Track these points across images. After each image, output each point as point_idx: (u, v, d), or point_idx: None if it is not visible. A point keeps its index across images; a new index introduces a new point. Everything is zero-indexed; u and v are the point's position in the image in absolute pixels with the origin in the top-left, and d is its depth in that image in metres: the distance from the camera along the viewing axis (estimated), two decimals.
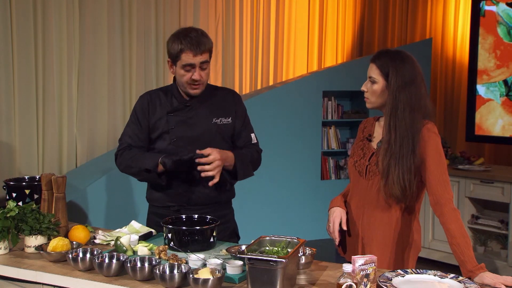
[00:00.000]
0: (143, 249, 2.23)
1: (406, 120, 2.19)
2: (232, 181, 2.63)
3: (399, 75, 2.21)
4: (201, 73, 2.52)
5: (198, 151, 2.46)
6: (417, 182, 2.23)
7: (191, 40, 2.47)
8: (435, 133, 2.23)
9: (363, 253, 2.30)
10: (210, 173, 2.44)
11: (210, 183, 2.47)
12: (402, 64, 2.22)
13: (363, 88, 2.32)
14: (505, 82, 5.56)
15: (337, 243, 2.37)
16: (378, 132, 2.38)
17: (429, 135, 2.22)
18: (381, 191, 2.24)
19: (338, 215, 2.35)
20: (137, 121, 2.64)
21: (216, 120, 2.62)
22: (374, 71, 2.27)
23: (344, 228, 2.33)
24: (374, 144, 2.36)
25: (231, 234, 2.70)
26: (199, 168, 2.45)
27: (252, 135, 2.73)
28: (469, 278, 2.01)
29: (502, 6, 5.58)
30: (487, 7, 5.67)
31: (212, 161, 2.43)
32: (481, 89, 5.71)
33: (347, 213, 2.38)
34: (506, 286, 1.95)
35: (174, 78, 2.64)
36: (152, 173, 2.52)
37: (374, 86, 2.27)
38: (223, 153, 2.50)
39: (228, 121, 2.65)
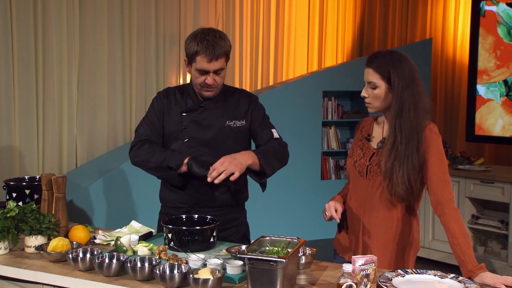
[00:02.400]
0: (143, 249, 2.23)
1: (411, 120, 2.19)
2: (262, 180, 2.54)
3: (401, 76, 2.19)
4: (215, 78, 2.49)
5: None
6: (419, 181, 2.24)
7: (208, 43, 2.42)
8: (436, 133, 2.23)
9: (364, 253, 2.29)
10: (221, 177, 2.35)
11: (232, 178, 2.35)
12: (400, 64, 2.21)
13: (364, 94, 2.28)
14: (505, 82, 5.56)
15: (338, 220, 2.30)
16: (377, 132, 2.37)
17: (431, 136, 2.22)
18: (384, 191, 2.23)
19: (332, 204, 2.33)
20: (155, 116, 2.60)
21: (230, 123, 2.58)
22: (373, 76, 2.23)
23: (337, 219, 2.29)
24: (374, 144, 2.35)
25: (242, 238, 2.66)
26: (215, 181, 2.38)
27: (273, 130, 2.65)
28: (469, 278, 2.01)
29: (502, 6, 5.58)
30: (487, 7, 5.67)
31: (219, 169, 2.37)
32: (481, 89, 5.71)
33: (345, 212, 2.38)
34: (506, 286, 1.95)
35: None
36: (172, 172, 2.48)
37: (376, 91, 2.24)
38: (236, 155, 2.42)
39: (242, 124, 2.61)
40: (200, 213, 2.52)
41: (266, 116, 2.70)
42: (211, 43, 2.43)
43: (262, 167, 2.47)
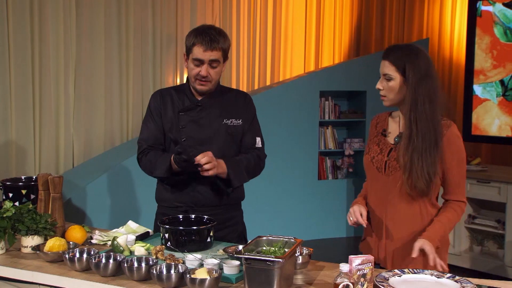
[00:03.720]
0: (140, 249, 2.23)
1: (427, 113, 2.20)
2: (228, 189, 2.56)
3: (416, 69, 2.20)
4: (210, 71, 2.50)
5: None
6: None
7: (206, 35, 2.46)
8: (458, 136, 2.27)
9: (387, 251, 2.31)
10: (210, 172, 2.41)
11: (208, 173, 2.41)
12: (416, 57, 2.22)
13: (379, 86, 2.28)
14: (502, 82, 5.57)
15: (365, 225, 2.27)
16: (393, 127, 2.37)
17: (454, 139, 2.25)
18: (404, 185, 2.23)
19: (357, 208, 2.29)
20: (153, 120, 2.62)
21: (227, 121, 2.59)
22: (389, 68, 2.24)
23: (364, 223, 2.25)
24: (390, 140, 2.35)
25: (238, 237, 2.66)
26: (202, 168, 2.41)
27: (258, 138, 2.67)
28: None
29: (499, 6, 5.59)
30: (483, 7, 5.68)
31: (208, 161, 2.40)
32: (477, 89, 5.72)
33: (368, 213, 2.35)
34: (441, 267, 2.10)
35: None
36: (167, 177, 2.52)
37: (390, 83, 2.25)
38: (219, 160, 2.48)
39: (239, 123, 2.62)
40: (196, 213, 2.52)
41: (256, 119, 2.71)
42: (209, 35, 2.47)
43: (229, 177, 2.50)
